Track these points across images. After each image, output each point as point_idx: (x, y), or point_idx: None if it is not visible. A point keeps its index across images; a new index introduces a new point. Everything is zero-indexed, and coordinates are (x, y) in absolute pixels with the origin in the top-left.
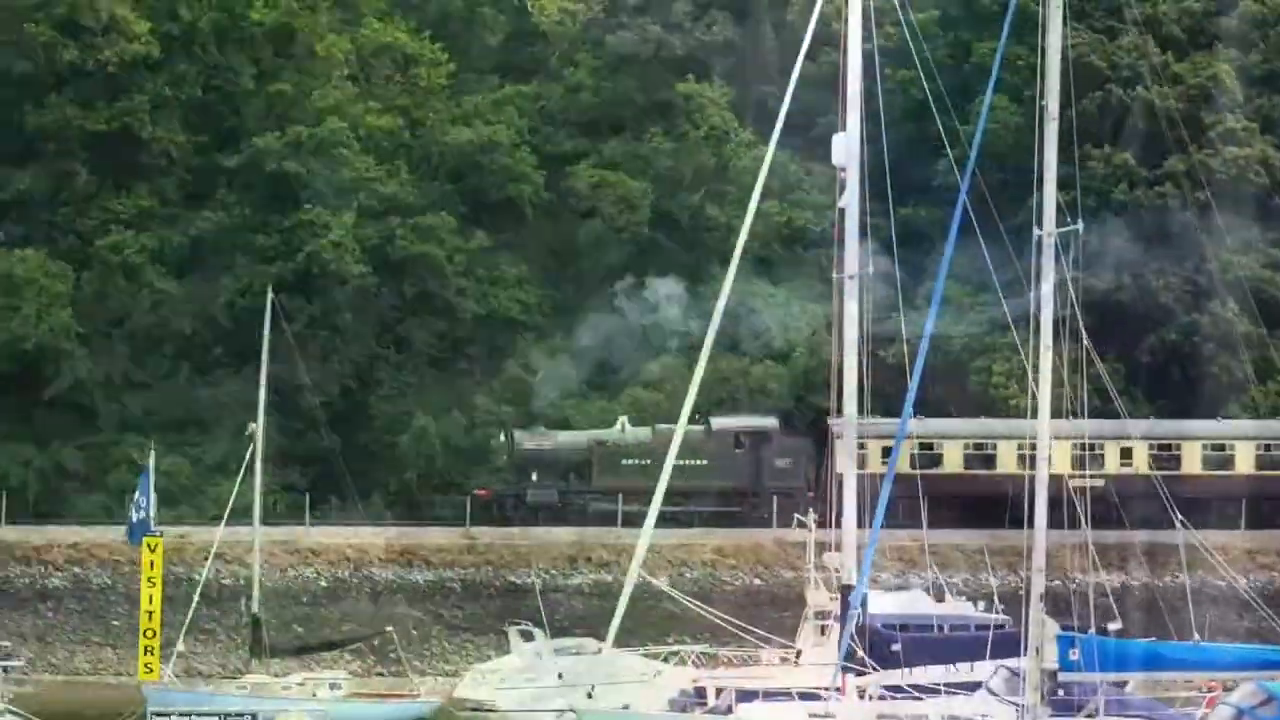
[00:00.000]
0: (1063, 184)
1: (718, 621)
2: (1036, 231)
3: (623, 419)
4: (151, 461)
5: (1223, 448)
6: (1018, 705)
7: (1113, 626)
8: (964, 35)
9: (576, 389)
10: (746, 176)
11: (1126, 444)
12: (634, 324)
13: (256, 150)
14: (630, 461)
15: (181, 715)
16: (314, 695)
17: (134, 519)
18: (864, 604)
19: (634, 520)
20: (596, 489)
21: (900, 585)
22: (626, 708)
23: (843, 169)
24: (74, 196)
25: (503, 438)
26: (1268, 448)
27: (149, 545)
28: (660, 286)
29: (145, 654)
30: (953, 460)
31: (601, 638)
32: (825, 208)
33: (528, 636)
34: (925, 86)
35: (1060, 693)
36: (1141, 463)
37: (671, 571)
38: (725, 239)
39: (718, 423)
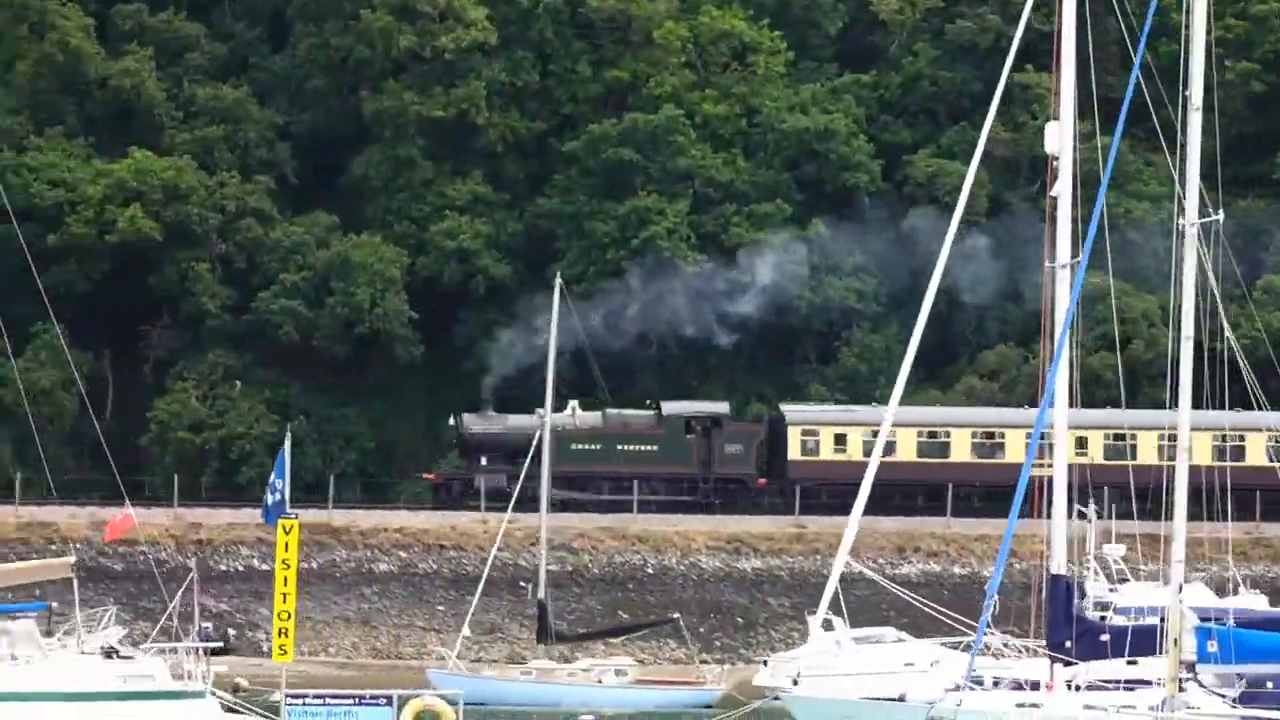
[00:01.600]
0: None
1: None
2: (1179, 221)
3: (574, 403)
4: (288, 444)
5: None
6: (1225, 697)
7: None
8: None
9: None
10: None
11: None
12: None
13: (592, 136)
14: (580, 446)
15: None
16: (599, 681)
17: (269, 501)
18: (1075, 591)
19: (583, 506)
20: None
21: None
22: (902, 698)
23: (1055, 157)
24: (410, 182)
25: (451, 421)
26: None
27: (284, 527)
28: None
29: (279, 635)
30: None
31: (919, 629)
32: (1163, 199)
33: (828, 626)
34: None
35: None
36: None
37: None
38: None
39: (669, 408)
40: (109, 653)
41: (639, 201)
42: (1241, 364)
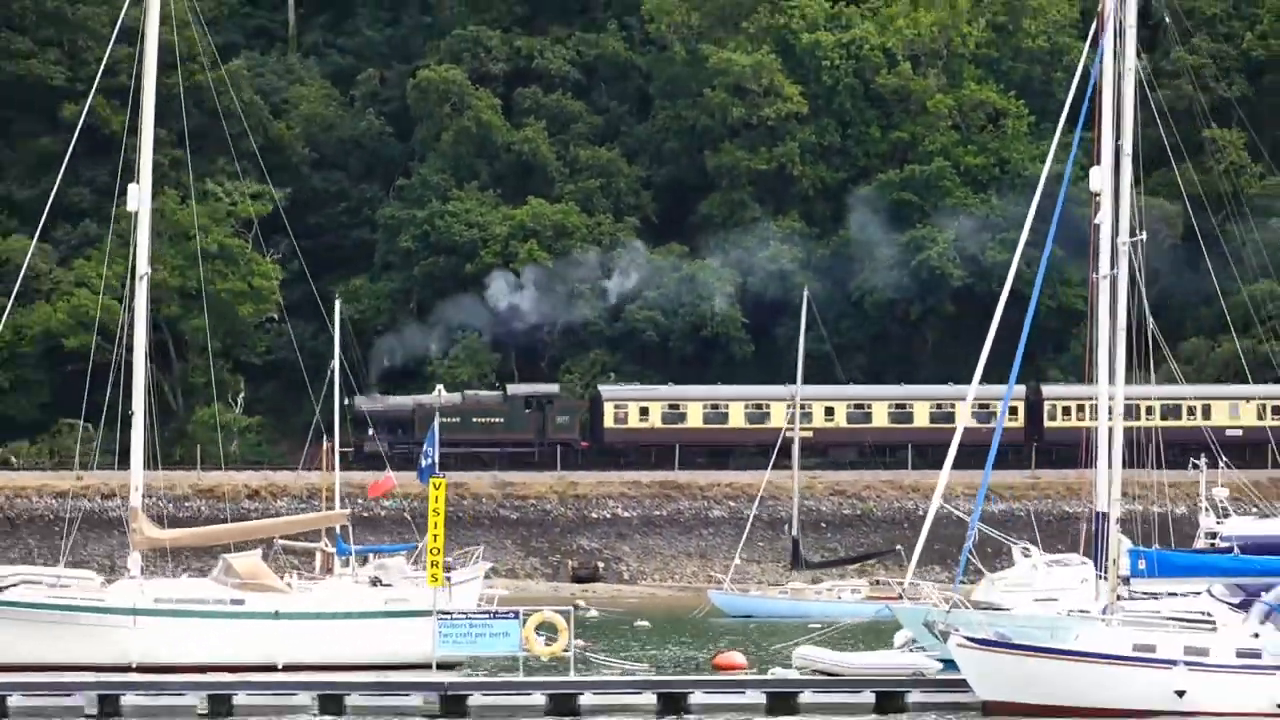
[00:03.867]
0: None
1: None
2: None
3: (439, 386)
4: (436, 422)
5: None
6: (1233, 605)
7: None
8: None
9: None
10: None
11: None
12: None
13: (881, 183)
14: (443, 420)
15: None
16: (839, 598)
17: (423, 465)
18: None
19: (449, 465)
20: (417, 441)
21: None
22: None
23: (1097, 194)
24: (742, 219)
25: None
26: None
27: (434, 484)
28: None
29: (432, 567)
30: None
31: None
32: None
33: (1026, 553)
34: None
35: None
36: None
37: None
38: None
39: (512, 389)
40: (374, 581)
41: (917, 231)
42: None
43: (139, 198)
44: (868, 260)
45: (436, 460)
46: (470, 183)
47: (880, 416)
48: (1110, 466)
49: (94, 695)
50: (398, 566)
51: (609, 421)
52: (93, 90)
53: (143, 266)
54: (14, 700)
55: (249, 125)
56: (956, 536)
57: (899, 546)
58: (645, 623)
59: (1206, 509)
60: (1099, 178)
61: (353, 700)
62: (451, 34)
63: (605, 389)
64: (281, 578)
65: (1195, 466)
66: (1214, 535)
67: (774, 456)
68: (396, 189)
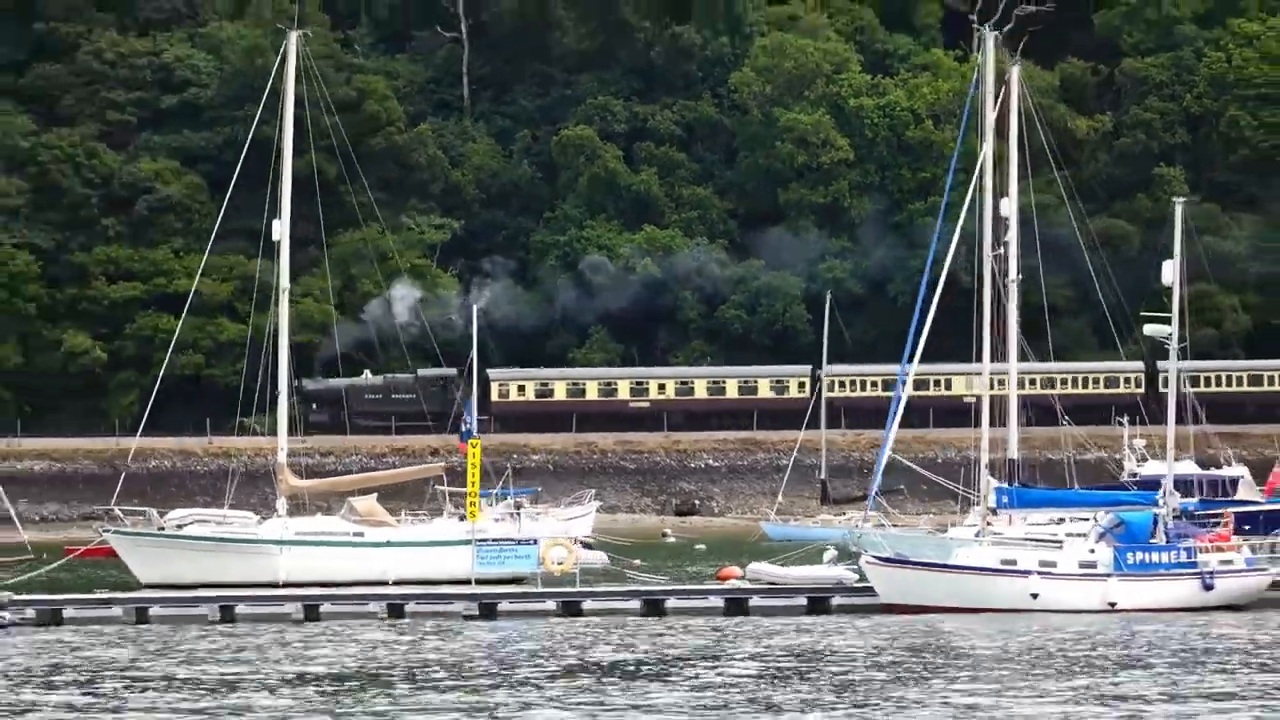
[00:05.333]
0: None
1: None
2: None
3: (366, 370)
4: (474, 394)
5: None
6: (1085, 535)
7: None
8: None
9: None
10: None
11: None
12: None
13: (909, 212)
14: (369, 397)
15: (494, 541)
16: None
17: (463, 429)
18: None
19: (367, 430)
20: (353, 413)
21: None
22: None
23: (1006, 216)
24: (805, 241)
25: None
26: None
27: (472, 445)
28: None
29: (471, 506)
30: None
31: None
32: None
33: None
34: None
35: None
36: None
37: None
38: None
39: (422, 372)
40: (462, 516)
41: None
42: None
43: (281, 230)
44: (899, 271)
45: (474, 425)
46: (600, 215)
47: (700, 390)
48: (985, 426)
49: (216, 606)
50: (527, 506)
51: (494, 397)
52: (313, 149)
53: (284, 282)
54: (154, 610)
55: (433, 174)
56: (914, 479)
57: (901, 486)
58: (702, 546)
59: (1128, 455)
60: (1006, 207)
61: (411, 608)
62: (586, 102)
63: (492, 372)
64: (398, 516)
65: (1120, 423)
66: (1135, 475)
67: (807, 418)
68: (544, 220)
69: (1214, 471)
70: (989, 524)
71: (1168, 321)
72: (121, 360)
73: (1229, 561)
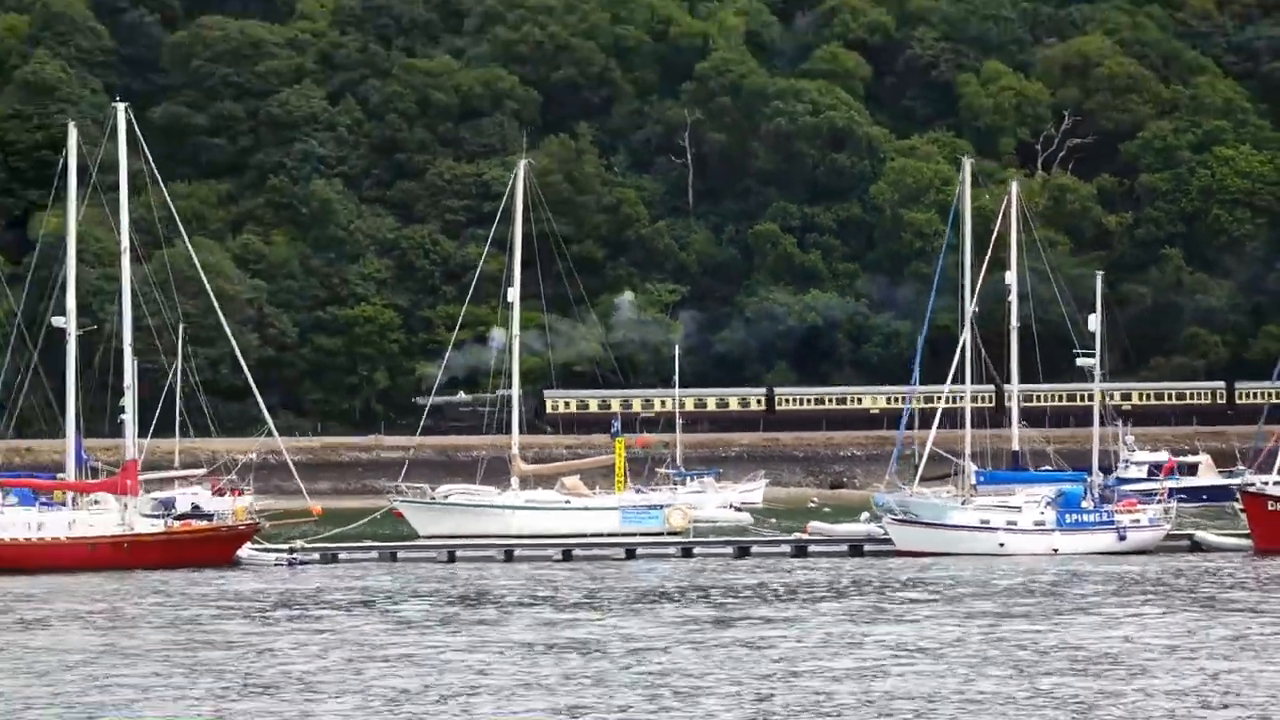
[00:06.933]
0: None
1: None
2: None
3: (461, 390)
4: (617, 419)
5: None
6: (1036, 503)
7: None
8: None
9: None
10: None
11: None
12: None
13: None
14: (462, 409)
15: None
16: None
17: (612, 430)
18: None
19: (461, 432)
20: (450, 420)
21: None
22: None
23: (1010, 284)
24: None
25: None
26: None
27: (619, 443)
28: None
29: (619, 482)
30: None
31: None
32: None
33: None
34: None
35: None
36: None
37: None
38: None
39: (500, 391)
40: (638, 491)
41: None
42: None
43: (515, 293)
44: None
45: (619, 428)
46: (780, 281)
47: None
48: (968, 428)
49: (444, 550)
50: (710, 483)
51: (549, 409)
52: (587, 240)
53: (515, 329)
54: (399, 554)
55: (668, 255)
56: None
57: (959, 463)
58: (828, 509)
59: (1125, 446)
60: (1010, 277)
61: (576, 552)
62: (772, 205)
63: (547, 392)
64: (594, 490)
65: (1115, 422)
66: (1128, 460)
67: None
68: (744, 286)
69: (1183, 459)
70: (971, 495)
71: (1092, 356)
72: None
73: (1136, 520)
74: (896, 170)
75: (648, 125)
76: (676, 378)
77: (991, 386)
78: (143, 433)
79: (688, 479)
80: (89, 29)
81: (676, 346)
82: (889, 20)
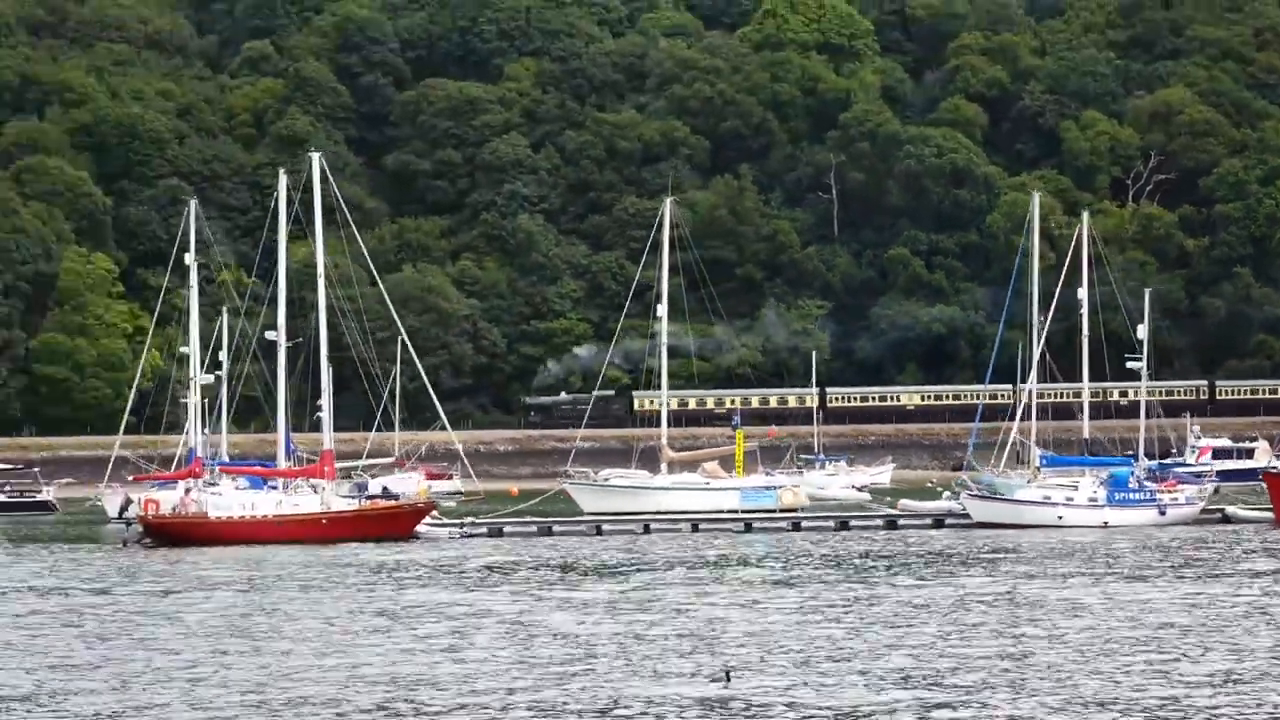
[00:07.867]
0: None
1: None
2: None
3: (563, 391)
4: (739, 412)
5: None
6: (1091, 482)
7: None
8: None
9: None
10: None
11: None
12: None
13: None
14: (564, 407)
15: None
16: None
17: (733, 423)
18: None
19: (565, 426)
20: (560, 416)
21: None
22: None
23: (1081, 299)
24: None
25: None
26: None
27: (740, 434)
28: None
29: (738, 466)
30: None
31: None
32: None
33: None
34: None
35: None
36: None
37: None
38: None
39: (596, 393)
40: (768, 473)
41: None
42: None
43: (663, 309)
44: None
45: (739, 421)
46: (913, 298)
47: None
48: (1033, 419)
49: (591, 524)
50: (843, 467)
51: (637, 407)
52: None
53: (664, 339)
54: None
55: (816, 276)
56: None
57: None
58: (940, 489)
59: (1191, 435)
60: (1082, 293)
61: (702, 526)
62: (904, 234)
63: (635, 393)
64: (729, 472)
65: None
66: (1194, 448)
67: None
68: (880, 300)
69: (1243, 444)
70: (1036, 476)
71: (1140, 360)
72: None
73: (1175, 499)
74: (1008, 203)
75: (799, 167)
76: (814, 377)
77: (1064, 384)
78: (366, 427)
79: (825, 463)
80: (332, 89)
81: (814, 352)
82: (1004, 76)
